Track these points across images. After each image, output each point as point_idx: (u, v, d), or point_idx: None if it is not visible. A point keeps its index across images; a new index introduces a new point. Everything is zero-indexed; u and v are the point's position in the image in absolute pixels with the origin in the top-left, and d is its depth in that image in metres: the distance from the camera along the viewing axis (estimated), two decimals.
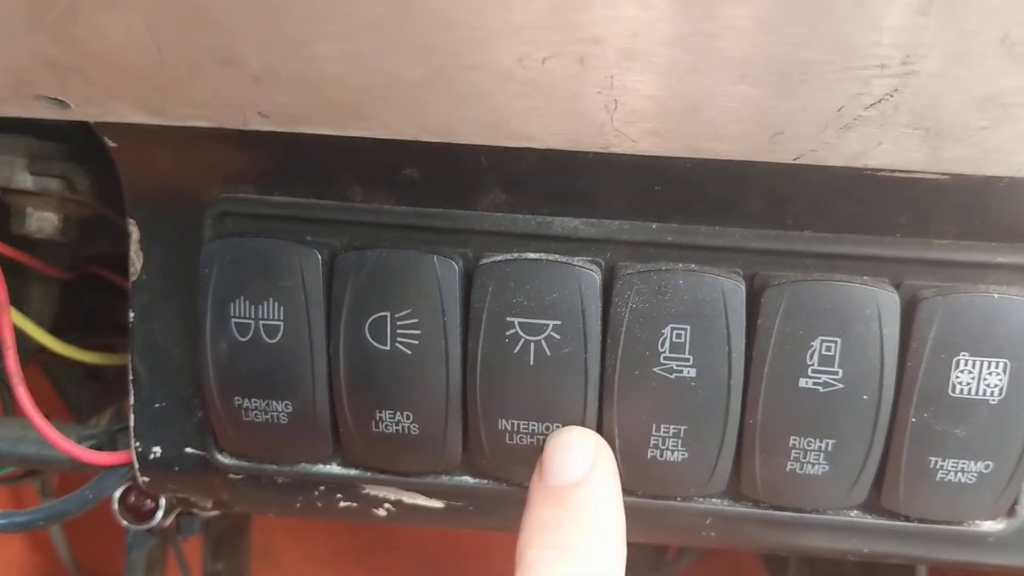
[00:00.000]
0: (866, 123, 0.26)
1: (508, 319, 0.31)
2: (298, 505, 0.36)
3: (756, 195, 0.31)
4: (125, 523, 0.44)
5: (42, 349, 0.44)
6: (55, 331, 0.44)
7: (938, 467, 0.31)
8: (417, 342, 0.31)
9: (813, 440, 0.31)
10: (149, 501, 0.45)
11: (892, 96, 0.24)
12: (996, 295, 0.29)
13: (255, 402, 0.33)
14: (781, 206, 0.31)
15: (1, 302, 0.38)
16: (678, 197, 0.31)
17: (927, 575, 0.47)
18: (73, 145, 0.38)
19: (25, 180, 0.37)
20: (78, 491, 0.39)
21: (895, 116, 0.25)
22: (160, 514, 0.44)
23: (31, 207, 0.39)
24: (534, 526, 0.30)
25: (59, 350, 0.42)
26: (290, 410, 0.33)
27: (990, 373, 0.30)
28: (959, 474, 0.31)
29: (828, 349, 0.30)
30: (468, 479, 0.34)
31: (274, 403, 0.33)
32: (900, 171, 0.28)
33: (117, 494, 0.44)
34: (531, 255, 0.31)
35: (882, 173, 0.29)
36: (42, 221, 0.39)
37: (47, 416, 0.53)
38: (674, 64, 0.24)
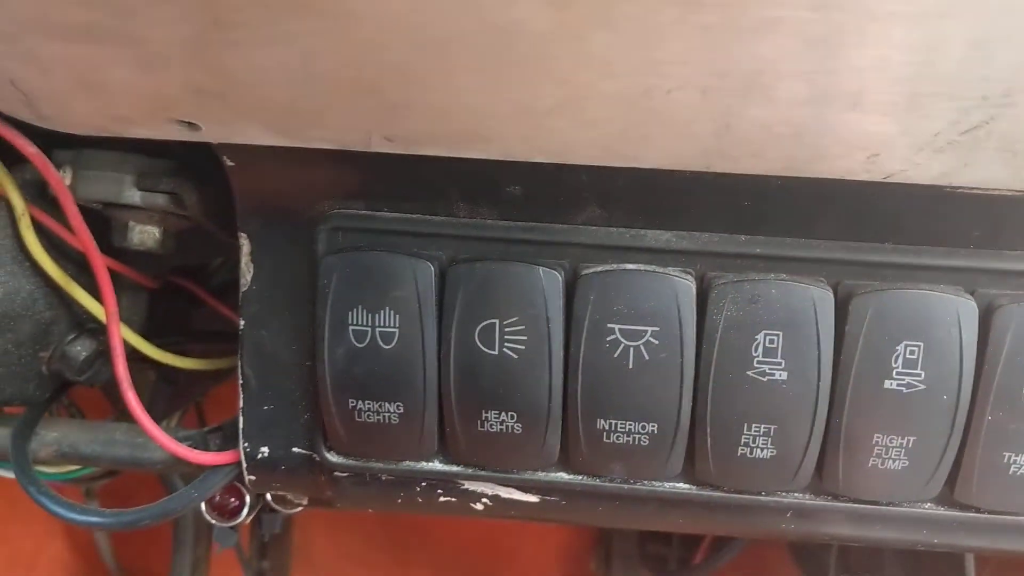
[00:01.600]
0: (958, 147, 0.28)
1: (609, 325, 0.33)
2: (399, 501, 0.39)
3: (842, 210, 0.33)
4: (212, 520, 0.47)
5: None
6: (142, 337, 0.46)
7: (1011, 462, 0.33)
8: (523, 347, 0.34)
9: (895, 438, 0.33)
10: (233, 499, 0.47)
11: (988, 123, 0.26)
12: None
13: (369, 404, 0.35)
14: (864, 220, 0.33)
15: (111, 312, 0.40)
16: (766, 211, 0.33)
17: (974, 570, 0.50)
18: (180, 162, 0.40)
19: (133, 196, 0.39)
20: (183, 490, 0.41)
21: (988, 141, 0.27)
22: (246, 511, 0.46)
23: (134, 220, 0.41)
24: None
25: (156, 356, 0.44)
26: (401, 411, 0.35)
27: None
28: None
29: (912, 353, 0.32)
30: (564, 475, 0.37)
31: (387, 404, 0.35)
32: (980, 188, 0.31)
33: None
34: (629, 266, 0.34)
35: (960, 190, 0.31)
36: (144, 235, 0.41)
37: (120, 418, 0.55)
38: (792, 96, 0.26)
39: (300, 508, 0.49)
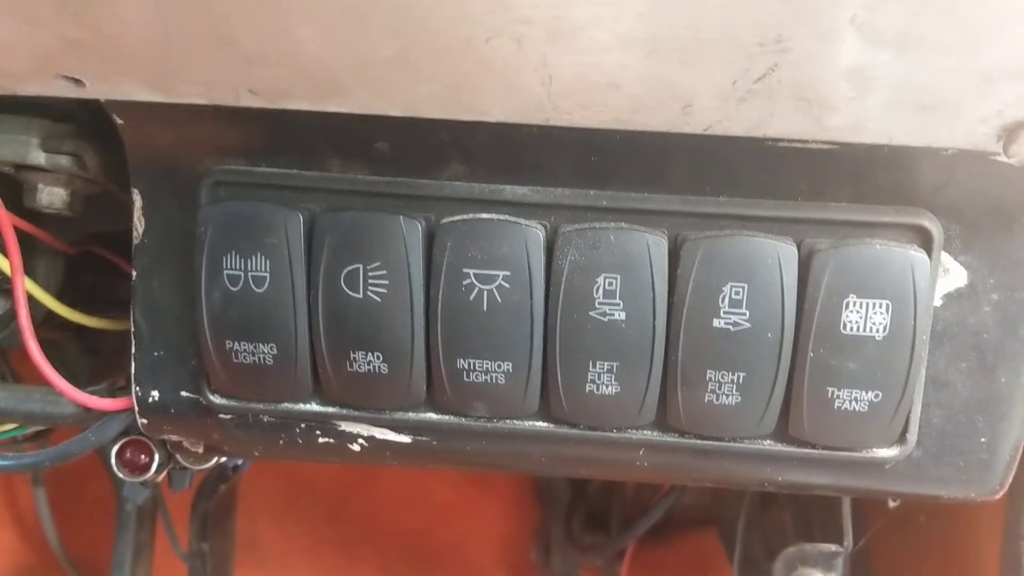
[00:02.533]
0: (757, 95, 0.31)
1: (464, 270, 0.36)
2: (281, 442, 0.41)
3: (679, 165, 0.36)
4: (122, 475, 0.49)
5: (43, 323, 0.48)
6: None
7: (835, 397, 0.36)
8: (386, 291, 0.36)
9: (726, 373, 0.36)
10: (144, 456, 0.49)
11: (774, 71, 0.29)
12: (879, 246, 0.35)
13: (244, 345, 0.38)
14: (700, 175, 0.36)
15: (16, 265, 0.42)
16: (612, 166, 0.36)
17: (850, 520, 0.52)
18: (83, 126, 0.42)
19: (38, 157, 0.42)
20: (81, 434, 0.44)
21: (780, 89, 0.30)
22: (155, 467, 0.49)
23: (42, 183, 0.44)
24: None
25: (65, 315, 0.46)
26: (275, 352, 0.38)
27: (875, 312, 0.35)
28: (853, 403, 0.36)
29: (737, 294, 0.35)
30: (432, 415, 0.39)
31: (261, 346, 0.38)
32: (795, 140, 0.34)
33: (115, 449, 0.48)
34: (483, 215, 0.36)
35: (781, 144, 0.34)
36: (52, 196, 0.44)
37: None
38: (591, 44, 0.29)
39: (209, 465, 0.51)
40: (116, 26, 0.31)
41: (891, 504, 0.57)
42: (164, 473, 0.51)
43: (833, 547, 0.51)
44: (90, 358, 0.59)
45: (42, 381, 0.59)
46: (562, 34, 0.29)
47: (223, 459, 0.53)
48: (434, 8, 0.28)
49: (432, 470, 0.95)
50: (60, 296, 0.52)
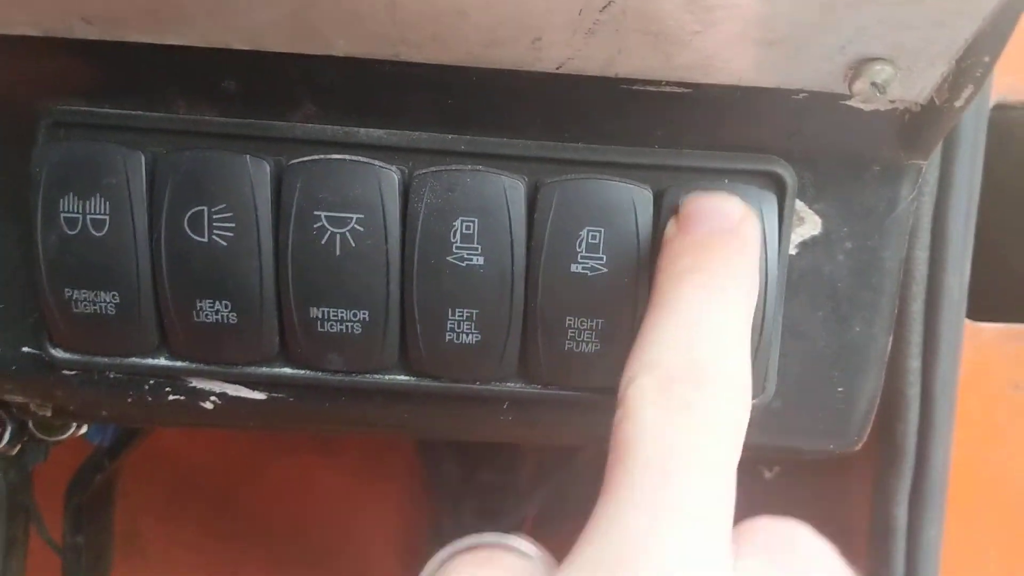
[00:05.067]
0: (604, 28, 0.30)
1: (315, 213, 0.35)
2: (129, 400, 0.39)
3: (536, 109, 0.35)
4: None
5: None
6: None
7: None
8: (232, 234, 0.35)
9: (585, 320, 0.36)
10: None
11: (616, 2, 0.29)
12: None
13: (84, 293, 0.36)
14: (558, 120, 0.36)
15: None
16: (470, 110, 0.35)
17: None
18: None
19: None
20: None
21: (625, 20, 0.30)
22: (7, 437, 0.46)
23: None
24: (670, 271, 0.32)
25: None
26: (117, 300, 0.36)
27: None
28: None
29: (594, 238, 0.35)
30: (287, 369, 0.38)
31: (102, 294, 0.36)
32: (649, 82, 0.33)
33: None
34: (335, 156, 0.35)
35: (636, 87, 0.34)
36: None
37: None
38: None
39: (65, 436, 0.49)
40: None
41: (767, 475, 0.58)
42: (18, 446, 0.48)
43: None
44: None
45: None
46: None
47: (81, 431, 0.50)
48: None
49: (308, 458, 0.93)
50: None
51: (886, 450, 0.49)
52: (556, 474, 0.84)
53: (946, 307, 0.45)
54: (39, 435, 0.47)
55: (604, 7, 0.29)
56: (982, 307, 0.49)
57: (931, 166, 0.42)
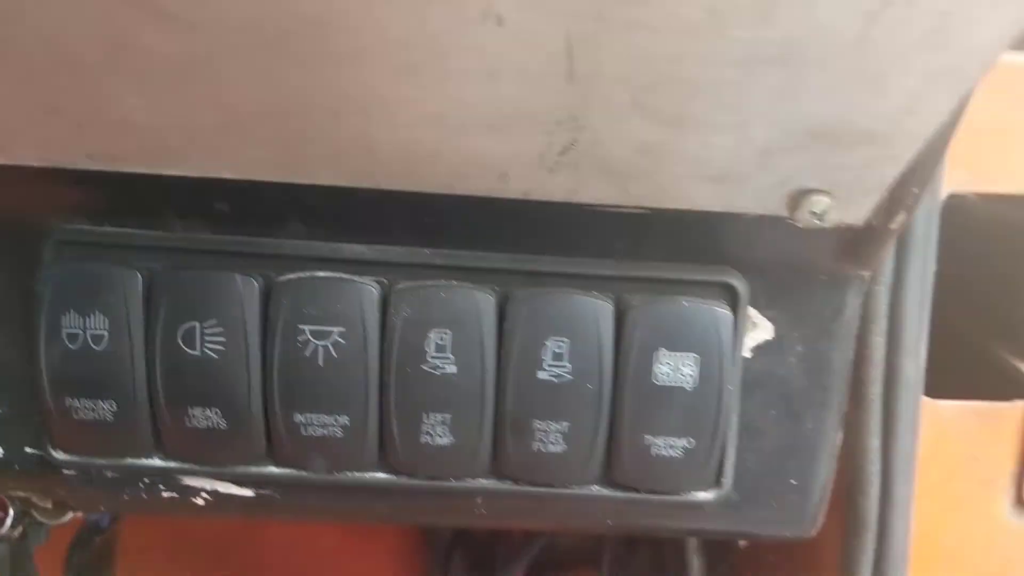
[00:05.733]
0: (565, 167, 0.33)
1: (300, 326, 0.37)
2: (126, 497, 0.41)
3: (506, 225, 0.38)
4: None
5: None
6: None
7: (651, 444, 0.38)
8: (223, 347, 0.37)
9: (552, 423, 0.38)
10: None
11: (574, 145, 0.32)
12: (686, 303, 0.37)
13: (84, 402, 0.38)
14: (526, 235, 0.38)
15: None
16: (444, 226, 0.38)
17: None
18: None
19: None
20: None
21: (583, 161, 0.33)
22: (9, 521, 0.49)
23: None
24: None
25: None
26: (114, 408, 0.38)
27: (684, 365, 0.37)
28: (669, 449, 0.38)
29: (559, 348, 0.37)
30: (273, 469, 0.40)
31: (100, 402, 0.38)
32: (608, 205, 0.36)
33: None
34: (320, 273, 0.38)
35: (597, 208, 0.36)
36: None
37: None
38: (404, 121, 0.31)
39: (65, 519, 0.51)
40: None
41: (741, 544, 0.60)
42: (20, 528, 0.51)
43: None
44: None
45: None
46: (375, 111, 0.31)
47: (79, 514, 0.52)
48: (248, 82, 0.30)
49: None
50: None
51: (851, 522, 0.51)
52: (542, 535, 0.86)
53: (903, 388, 0.47)
54: (41, 519, 0.50)
55: (563, 151, 0.32)
56: (941, 386, 0.52)
57: (884, 262, 0.45)
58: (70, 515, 0.50)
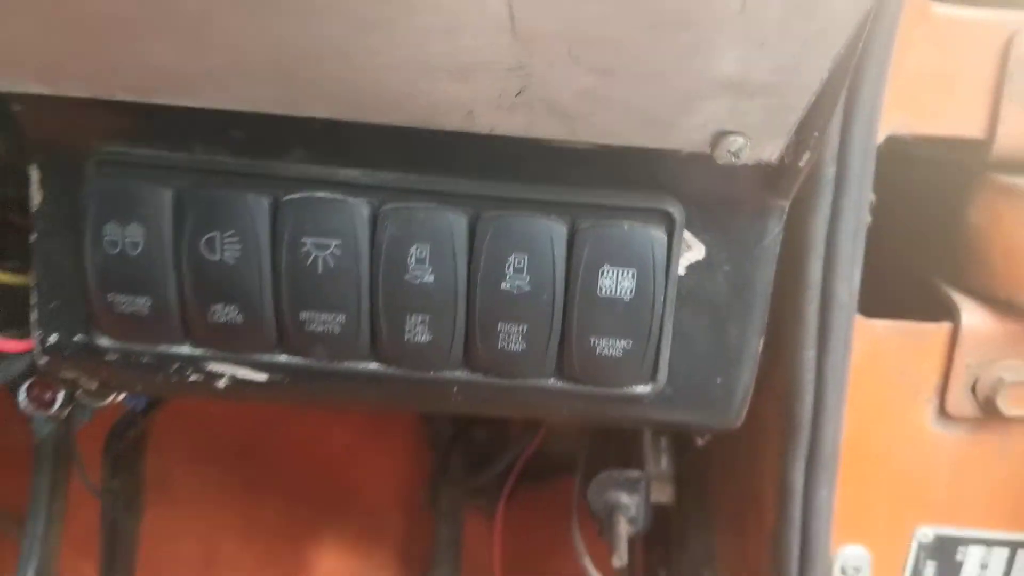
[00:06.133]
0: (520, 107, 0.40)
1: (303, 239, 0.45)
2: (159, 380, 0.49)
3: (478, 156, 0.44)
4: (30, 410, 0.57)
5: None
6: None
7: (596, 344, 0.45)
8: (239, 254, 0.45)
9: (513, 325, 0.45)
10: (49, 393, 0.58)
11: (525, 90, 0.38)
12: (627, 226, 0.44)
13: (124, 298, 0.46)
14: (495, 165, 0.45)
15: None
16: (426, 156, 0.45)
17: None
18: None
19: None
20: None
21: (534, 103, 0.39)
22: (59, 402, 0.57)
23: None
24: None
25: None
26: (150, 304, 0.46)
27: (623, 279, 0.44)
28: (610, 349, 0.45)
29: (519, 263, 0.44)
30: (283, 357, 0.48)
31: (137, 299, 0.46)
32: (561, 140, 0.43)
33: (24, 386, 0.57)
34: (319, 194, 0.45)
35: (553, 143, 0.43)
36: None
37: None
38: (373, 65, 0.37)
39: (107, 402, 0.59)
40: (11, 37, 0.38)
41: (699, 442, 0.68)
42: (68, 409, 0.59)
43: (636, 473, 0.61)
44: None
45: None
46: (353, 58, 0.37)
47: (120, 398, 0.61)
48: (248, 32, 0.36)
49: (320, 416, 1.04)
50: None
51: (787, 426, 0.58)
52: (540, 431, 0.93)
53: (837, 307, 0.54)
54: (84, 401, 0.58)
55: (517, 94, 0.39)
56: (878, 307, 0.58)
57: (823, 196, 0.51)
58: (111, 397, 0.58)
